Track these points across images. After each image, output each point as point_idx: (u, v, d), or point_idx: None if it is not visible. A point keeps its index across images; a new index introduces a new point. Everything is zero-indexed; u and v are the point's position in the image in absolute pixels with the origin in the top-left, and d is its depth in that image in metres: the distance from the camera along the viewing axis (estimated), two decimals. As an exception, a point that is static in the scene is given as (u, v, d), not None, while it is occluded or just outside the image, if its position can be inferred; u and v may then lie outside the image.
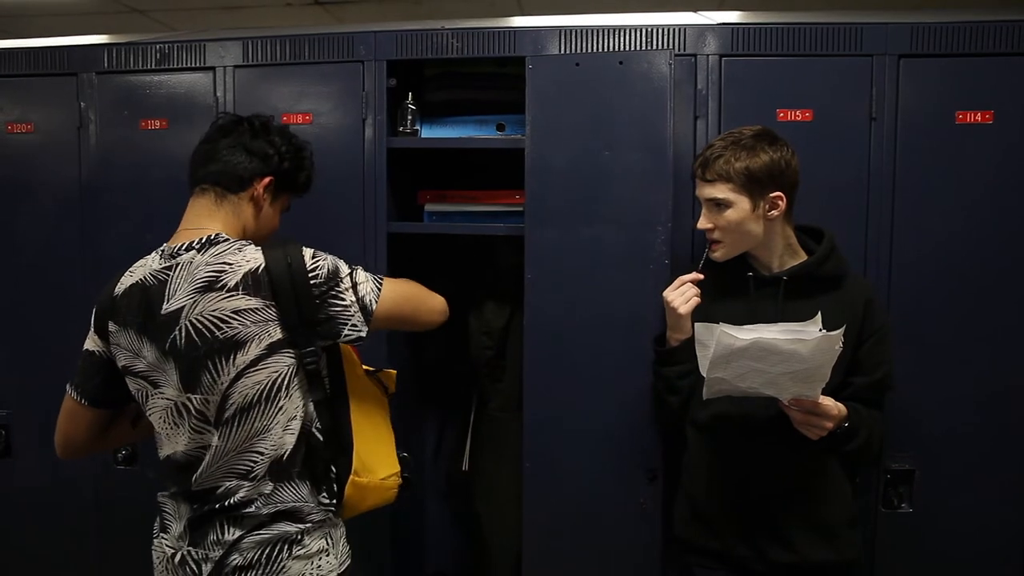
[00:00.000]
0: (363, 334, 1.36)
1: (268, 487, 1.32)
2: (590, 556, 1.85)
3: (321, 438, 1.37)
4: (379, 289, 1.39)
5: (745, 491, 1.59)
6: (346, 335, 1.36)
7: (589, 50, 1.87)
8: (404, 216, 2.06)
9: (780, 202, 1.54)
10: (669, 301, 1.59)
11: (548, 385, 1.84)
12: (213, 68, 2.03)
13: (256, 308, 1.29)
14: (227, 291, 1.28)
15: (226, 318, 1.28)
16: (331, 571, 1.35)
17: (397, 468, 1.50)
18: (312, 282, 1.32)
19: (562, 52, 1.87)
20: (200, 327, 1.28)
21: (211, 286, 1.29)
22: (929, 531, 1.86)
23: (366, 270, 1.42)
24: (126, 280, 1.36)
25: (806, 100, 1.83)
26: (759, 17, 1.93)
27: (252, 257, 1.32)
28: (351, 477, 1.38)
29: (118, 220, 2.09)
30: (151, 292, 1.32)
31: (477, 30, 1.91)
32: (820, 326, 1.37)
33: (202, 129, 2.02)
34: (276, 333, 1.30)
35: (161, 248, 1.38)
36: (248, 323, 1.28)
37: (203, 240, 1.34)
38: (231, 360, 1.28)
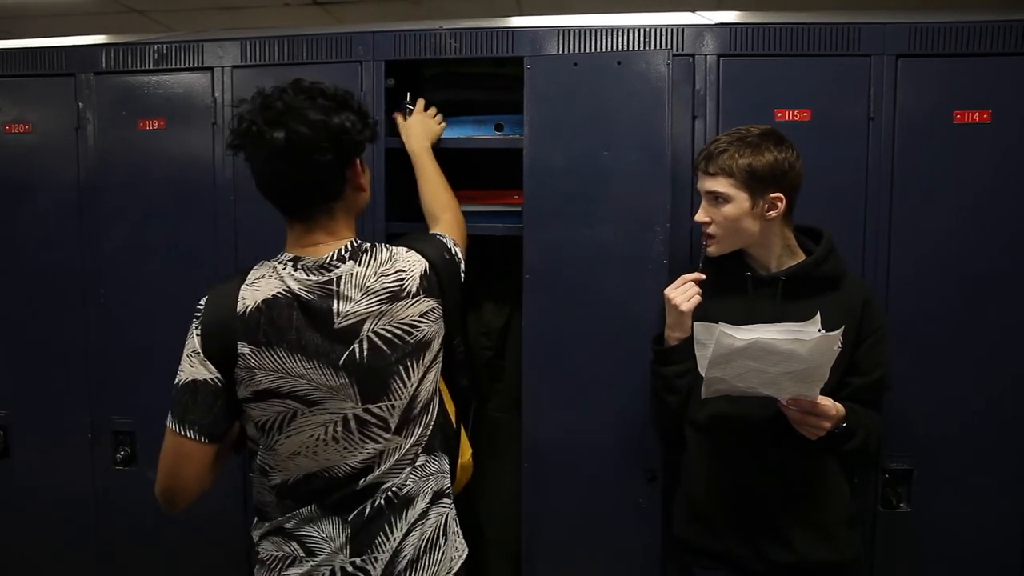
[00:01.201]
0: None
1: (421, 459, 1.38)
2: (589, 556, 1.85)
3: (448, 419, 1.50)
4: (462, 253, 1.51)
5: (744, 491, 1.59)
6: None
7: (587, 50, 1.87)
8: (403, 216, 2.06)
9: (779, 203, 1.54)
10: (671, 299, 1.59)
11: (547, 385, 1.84)
12: (211, 68, 2.03)
13: (434, 308, 1.36)
14: (411, 297, 1.32)
15: (415, 322, 1.32)
16: (465, 549, 1.46)
17: (470, 448, 1.63)
18: (462, 272, 1.46)
19: (560, 52, 1.87)
20: (389, 336, 1.30)
21: (397, 295, 1.31)
22: (927, 531, 1.87)
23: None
24: (249, 296, 1.25)
25: (804, 100, 1.83)
26: (757, 17, 1.92)
27: (415, 259, 1.36)
28: (459, 459, 1.54)
29: (116, 220, 2.09)
30: (312, 307, 1.25)
31: (475, 30, 1.91)
32: (819, 326, 1.37)
33: (201, 129, 2.03)
34: (443, 328, 1.40)
35: (291, 258, 1.29)
36: (431, 322, 1.35)
37: (350, 248, 1.31)
38: (422, 360, 1.34)
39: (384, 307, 1.29)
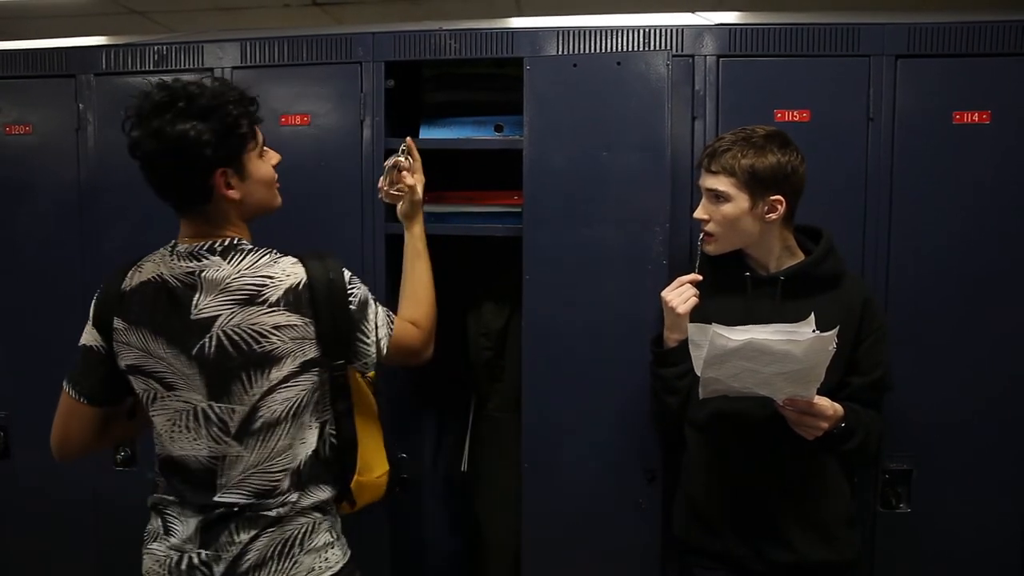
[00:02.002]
0: (371, 372, 1.44)
1: (294, 496, 1.33)
2: (589, 556, 1.85)
3: (336, 444, 1.41)
4: (390, 334, 1.44)
5: (744, 491, 1.59)
6: (358, 366, 1.42)
7: (587, 51, 1.87)
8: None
9: (779, 206, 1.53)
10: (667, 301, 1.59)
11: (546, 385, 1.85)
12: (211, 69, 2.03)
13: (295, 325, 1.29)
14: (268, 306, 1.28)
15: (266, 332, 1.28)
16: (338, 562, 1.37)
17: (387, 467, 1.54)
18: (349, 303, 1.35)
19: (560, 53, 1.87)
20: (237, 339, 1.27)
21: (252, 300, 1.27)
22: (927, 531, 1.87)
23: (376, 300, 1.45)
24: (135, 276, 1.33)
25: (803, 100, 1.83)
26: (757, 17, 1.92)
27: (292, 271, 1.31)
28: (355, 477, 1.43)
29: (117, 221, 2.09)
30: (176, 294, 1.29)
31: (475, 31, 1.91)
32: (813, 327, 1.37)
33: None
34: (311, 351, 1.31)
35: (172, 244, 1.35)
36: (287, 339, 1.29)
37: (225, 244, 1.31)
38: (266, 374, 1.29)
39: (236, 308, 1.27)
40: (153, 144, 1.24)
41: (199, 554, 1.32)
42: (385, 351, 1.41)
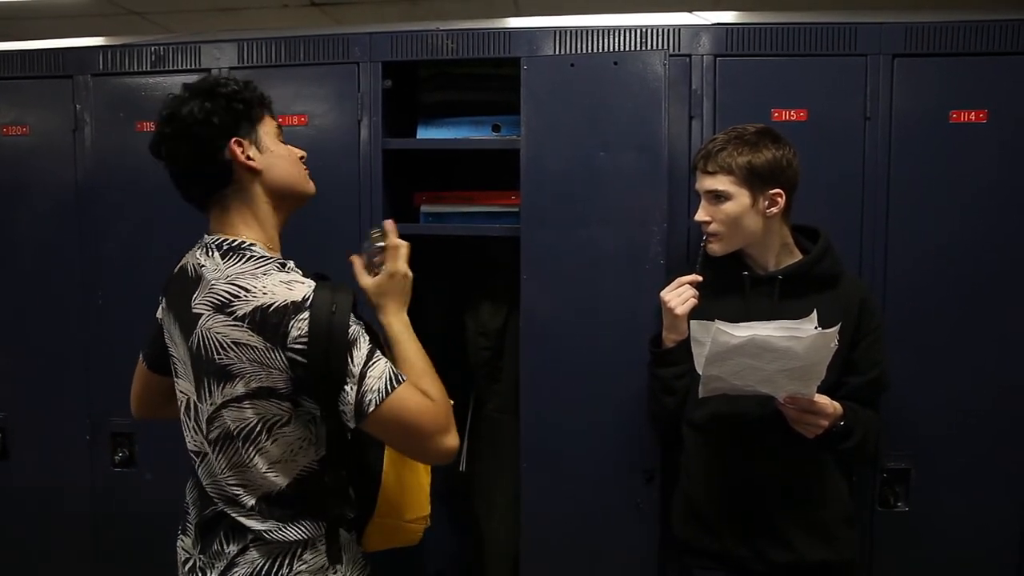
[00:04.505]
0: (350, 426, 1.20)
1: (267, 523, 1.23)
2: (588, 556, 1.86)
3: (336, 481, 1.28)
4: (389, 391, 1.18)
5: (742, 491, 1.59)
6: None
7: (584, 51, 1.87)
8: (400, 217, 2.05)
9: (779, 199, 1.54)
10: (666, 302, 1.59)
11: (544, 386, 1.85)
12: (209, 70, 2.03)
13: (255, 347, 1.16)
14: (234, 319, 1.17)
15: (226, 345, 1.18)
16: None
17: (427, 511, 1.42)
18: (350, 341, 1.17)
19: (557, 53, 1.87)
20: (207, 343, 1.21)
21: (221, 308, 1.19)
22: (926, 530, 1.87)
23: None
24: (182, 259, 1.34)
25: (801, 100, 1.84)
26: (754, 17, 1.92)
27: (276, 291, 1.17)
28: (373, 518, 1.34)
29: (115, 222, 2.09)
30: (190, 284, 1.26)
31: (472, 31, 1.91)
32: (816, 323, 1.37)
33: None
34: (269, 380, 1.17)
35: (204, 236, 1.32)
36: (244, 359, 1.17)
37: (233, 244, 1.26)
38: (220, 388, 1.21)
39: (211, 312, 1.20)
40: (167, 130, 1.26)
41: (199, 558, 1.31)
42: (371, 409, 1.16)
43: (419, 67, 2.06)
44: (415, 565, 2.35)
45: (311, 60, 1.98)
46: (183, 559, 1.34)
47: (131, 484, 2.12)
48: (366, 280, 1.37)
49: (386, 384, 1.18)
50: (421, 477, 1.42)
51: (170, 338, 1.32)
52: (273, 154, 1.31)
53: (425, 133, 2.03)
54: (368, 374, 1.17)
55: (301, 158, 1.37)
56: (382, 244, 1.39)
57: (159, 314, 1.40)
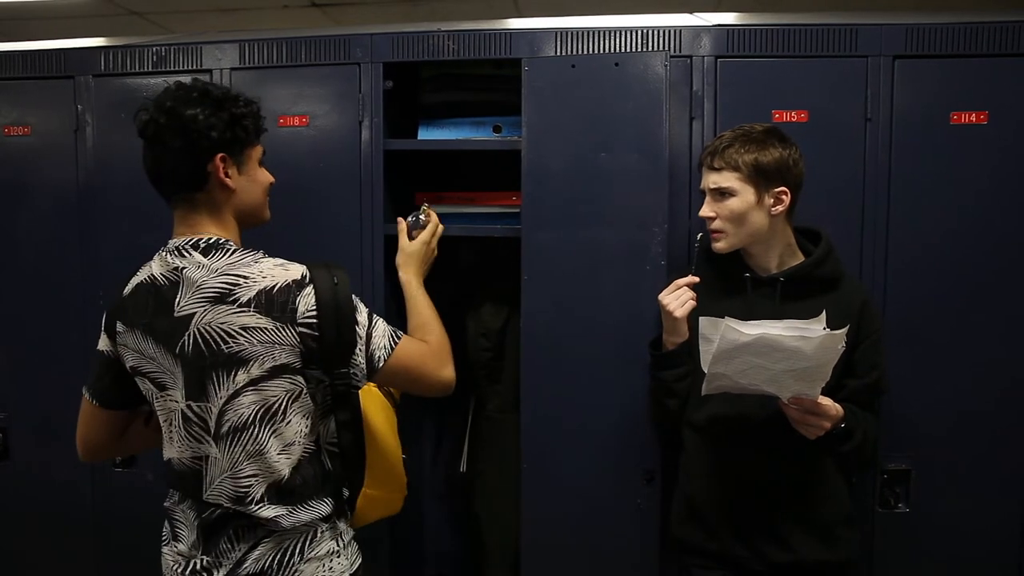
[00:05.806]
0: (360, 384, 1.35)
1: (279, 509, 1.29)
2: (588, 557, 1.86)
3: (340, 457, 1.38)
4: (393, 346, 1.35)
5: (742, 491, 1.59)
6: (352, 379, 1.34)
7: (585, 52, 1.87)
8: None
9: (784, 197, 1.55)
10: (664, 305, 1.59)
11: (545, 386, 1.85)
12: (210, 71, 2.03)
13: (265, 328, 1.25)
14: (239, 306, 1.24)
15: (233, 333, 1.25)
16: (343, 572, 1.35)
17: (404, 480, 1.53)
18: (356, 312, 1.32)
19: (558, 54, 1.87)
20: (208, 337, 1.26)
21: (222, 298, 1.25)
22: (925, 531, 1.87)
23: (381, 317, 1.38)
24: (134, 280, 1.35)
25: (801, 101, 1.84)
26: (754, 18, 1.93)
27: (273, 274, 1.27)
28: (363, 490, 1.41)
29: (116, 222, 2.09)
30: (162, 292, 1.29)
31: (473, 32, 1.91)
32: (824, 324, 1.37)
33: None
34: (283, 357, 1.26)
35: (165, 244, 1.35)
36: (255, 342, 1.25)
37: (210, 241, 1.31)
38: (232, 376, 1.26)
39: (208, 307, 1.26)
40: (163, 120, 1.27)
41: (202, 560, 1.31)
42: (380, 365, 1.33)
43: (420, 68, 2.06)
44: (415, 565, 2.35)
45: (313, 61, 1.99)
46: (177, 566, 1.34)
47: (132, 484, 2.12)
48: (405, 240, 1.71)
49: (389, 340, 1.35)
50: (393, 447, 1.51)
51: (140, 357, 1.32)
52: (249, 179, 1.37)
53: (426, 134, 2.04)
54: (373, 334, 1.33)
55: (270, 183, 1.42)
56: (425, 220, 1.72)
57: (102, 347, 1.39)
